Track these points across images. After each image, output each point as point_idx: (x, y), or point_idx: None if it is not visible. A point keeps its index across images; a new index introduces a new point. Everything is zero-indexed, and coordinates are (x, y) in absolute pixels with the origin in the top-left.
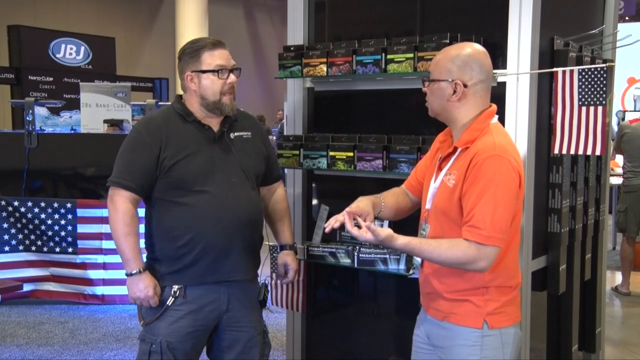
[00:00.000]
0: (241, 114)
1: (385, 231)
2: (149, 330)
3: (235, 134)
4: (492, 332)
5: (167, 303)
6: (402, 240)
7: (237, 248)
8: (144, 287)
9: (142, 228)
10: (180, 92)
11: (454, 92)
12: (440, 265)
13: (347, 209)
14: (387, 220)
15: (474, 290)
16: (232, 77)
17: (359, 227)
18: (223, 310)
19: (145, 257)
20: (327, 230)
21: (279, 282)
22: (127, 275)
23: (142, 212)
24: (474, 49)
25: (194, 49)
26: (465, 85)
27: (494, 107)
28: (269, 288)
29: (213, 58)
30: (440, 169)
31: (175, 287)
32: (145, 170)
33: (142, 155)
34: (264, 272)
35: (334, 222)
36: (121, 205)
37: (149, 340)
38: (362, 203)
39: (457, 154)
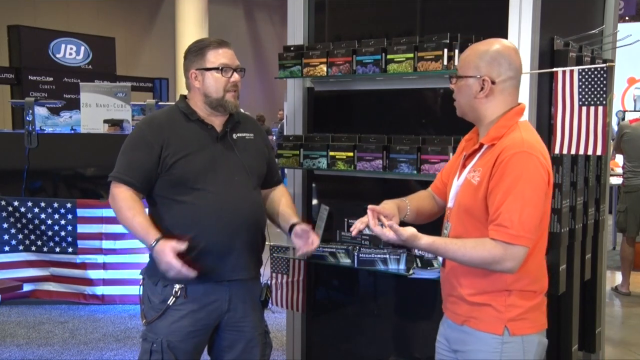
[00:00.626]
0: (243, 116)
1: (409, 230)
2: (150, 330)
3: (238, 134)
4: (514, 339)
5: (168, 302)
6: (426, 239)
7: (238, 247)
8: (162, 254)
9: None
10: (183, 92)
11: (482, 88)
12: (461, 265)
13: (371, 207)
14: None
15: (496, 293)
16: (235, 76)
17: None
18: (224, 309)
19: (148, 256)
20: (353, 233)
21: (279, 282)
22: (151, 248)
23: None
24: (503, 45)
25: (199, 47)
26: (493, 82)
27: (523, 105)
28: (271, 288)
29: (217, 57)
30: (464, 166)
31: (177, 287)
32: (147, 168)
33: (144, 153)
34: (266, 273)
35: (360, 225)
36: (120, 194)
37: (150, 340)
38: (388, 205)
39: (482, 150)
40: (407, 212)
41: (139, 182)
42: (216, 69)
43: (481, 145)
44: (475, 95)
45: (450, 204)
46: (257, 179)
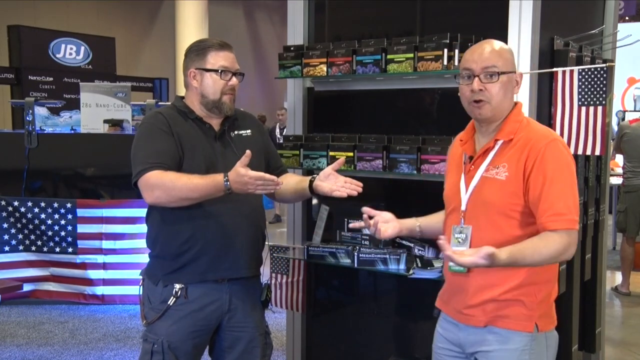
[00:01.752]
0: (240, 113)
1: (485, 251)
2: (151, 330)
3: (236, 132)
4: (539, 336)
5: (169, 303)
6: (505, 253)
7: (237, 245)
8: (237, 175)
9: (144, 228)
10: (180, 93)
11: (517, 84)
12: (488, 269)
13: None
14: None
15: (526, 288)
16: (233, 80)
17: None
18: (225, 310)
19: (148, 255)
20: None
21: (279, 282)
22: (227, 189)
23: (143, 212)
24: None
25: (201, 48)
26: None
27: (520, 102)
28: (271, 288)
29: (218, 59)
30: (475, 166)
31: (177, 287)
32: (172, 152)
33: (163, 140)
34: (266, 273)
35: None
36: (157, 175)
37: (151, 340)
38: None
39: (497, 147)
40: (417, 229)
41: (169, 165)
42: (215, 71)
43: (495, 142)
44: (512, 90)
45: (463, 207)
46: None
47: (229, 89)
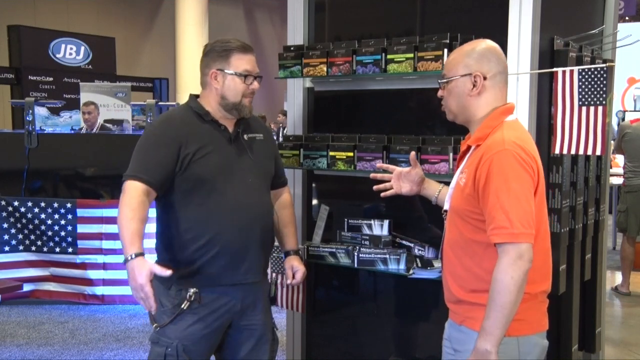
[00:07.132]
0: (252, 116)
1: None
2: (162, 333)
3: (249, 135)
4: (509, 340)
5: (182, 307)
6: (489, 340)
7: (253, 249)
8: (138, 273)
9: (149, 228)
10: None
11: (474, 85)
12: (454, 265)
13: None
14: (387, 220)
15: (482, 293)
16: (255, 84)
17: None
18: (237, 310)
19: (158, 257)
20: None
21: (279, 282)
22: (124, 262)
23: (151, 212)
24: (487, 43)
25: (225, 49)
26: (484, 77)
27: (511, 104)
28: (276, 285)
29: (241, 62)
30: (457, 167)
31: (191, 291)
32: (164, 165)
33: (162, 151)
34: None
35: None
36: (131, 192)
37: (164, 344)
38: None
39: (470, 152)
40: (434, 198)
41: (156, 180)
42: (238, 74)
43: (469, 147)
44: (468, 93)
45: (446, 207)
46: (268, 180)
47: (250, 92)
